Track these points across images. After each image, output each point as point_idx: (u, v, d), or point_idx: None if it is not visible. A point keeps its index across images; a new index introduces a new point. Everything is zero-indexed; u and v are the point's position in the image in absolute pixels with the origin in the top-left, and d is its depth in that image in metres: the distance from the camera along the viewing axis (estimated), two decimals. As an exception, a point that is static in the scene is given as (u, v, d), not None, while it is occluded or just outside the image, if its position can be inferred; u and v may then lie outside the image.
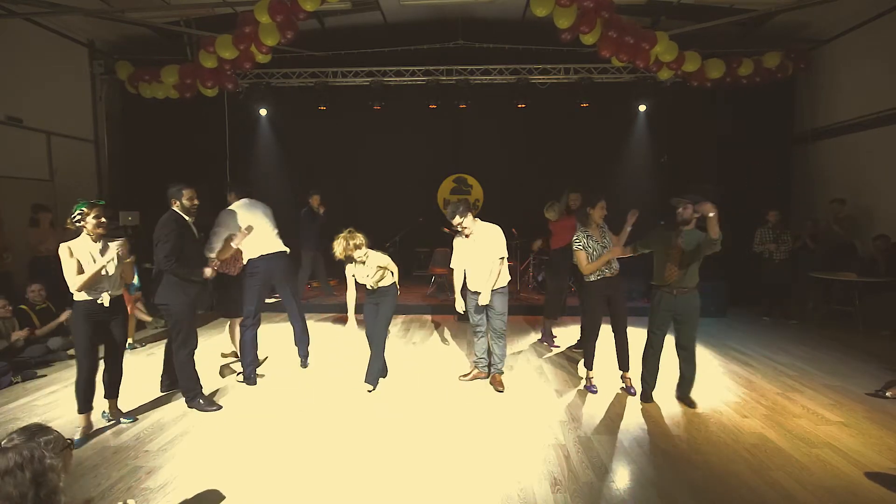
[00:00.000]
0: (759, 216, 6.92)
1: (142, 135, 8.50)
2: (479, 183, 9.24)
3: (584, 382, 4.31)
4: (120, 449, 3.20)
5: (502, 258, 4.09)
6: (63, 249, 3.20)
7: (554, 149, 8.63)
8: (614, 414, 3.76)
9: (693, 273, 3.70)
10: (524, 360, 5.08)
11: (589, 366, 4.25)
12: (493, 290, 4.12)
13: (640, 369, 4.02)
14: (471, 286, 4.25)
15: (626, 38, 6.09)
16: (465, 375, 4.50)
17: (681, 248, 3.64)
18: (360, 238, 3.92)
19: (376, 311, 4.19)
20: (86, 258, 3.27)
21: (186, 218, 3.80)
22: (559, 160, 8.59)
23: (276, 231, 4.58)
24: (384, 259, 4.09)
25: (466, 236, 4.11)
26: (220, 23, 7.45)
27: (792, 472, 2.91)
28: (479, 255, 4.11)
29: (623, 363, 4.18)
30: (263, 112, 8.61)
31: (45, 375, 4.62)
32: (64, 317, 5.17)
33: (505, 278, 4.20)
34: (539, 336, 5.85)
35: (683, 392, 3.97)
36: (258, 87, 8.15)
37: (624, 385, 4.19)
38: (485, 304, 4.11)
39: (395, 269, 4.20)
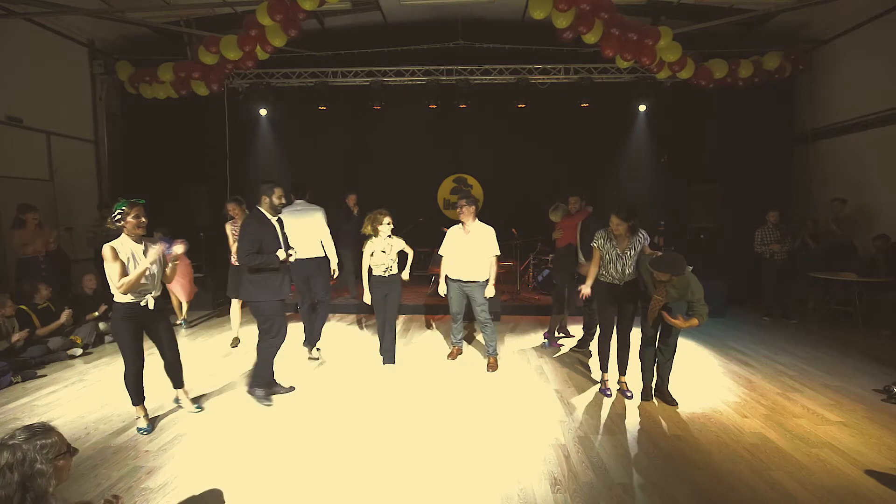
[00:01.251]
0: (760, 216, 6.91)
1: (142, 135, 8.49)
2: (479, 183, 9.23)
3: (598, 386, 4.26)
4: (120, 449, 3.20)
5: (496, 256, 4.65)
6: (107, 250, 3.16)
7: (554, 149, 8.62)
8: (614, 414, 3.76)
9: (681, 304, 3.73)
10: (524, 360, 5.07)
11: (604, 368, 4.21)
12: (477, 282, 4.64)
13: (640, 367, 4.05)
14: (454, 275, 4.71)
15: (629, 35, 6.07)
16: (448, 356, 5.03)
17: (664, 300, 3.64)
18: (387, 213, 4.58)
19: (385, 302, 4.66)
20: (127, 259, 3.23)
21: (269, 216, 3.89)
22: (559, 160, 8.58)
23: (315, 236, 4.88)
24: (402, 244, 4.68)
25: (462, 223, 4.64)
26: (220, 23, 7.46)
27: (792, 472, 2.91)
28: (471, 250, 4.61)
29: (621, 367, 4.14)
30: (263, 112, 8.60)
31: (45, 375, 4.61)
32: (64, 317, 5.16)
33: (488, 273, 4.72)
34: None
35: (661, 388, 4.00)
36: (258, 87, 8.15)
37: (620, 388, 4.16)
38: (490, 296, 4.67)
39: (410, 251, 4.76)
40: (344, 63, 8.15)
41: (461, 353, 5.13)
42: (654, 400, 3.98)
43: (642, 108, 8.30)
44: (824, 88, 7.67)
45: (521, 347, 5.51)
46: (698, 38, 7.00)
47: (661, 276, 3.51)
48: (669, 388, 3.97)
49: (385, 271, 4.58)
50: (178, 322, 6.40)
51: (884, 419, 3.61)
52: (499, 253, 4.65)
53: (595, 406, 3.91)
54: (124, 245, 3.25)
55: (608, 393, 4.12)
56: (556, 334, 5.62)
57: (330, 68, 8.18)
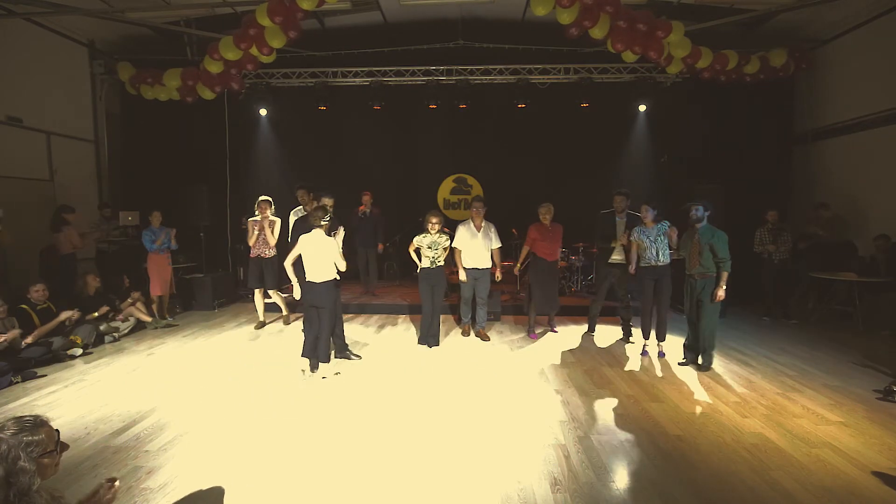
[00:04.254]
0: (759, 216, 6.90)
1: (142, 135, 8.50)
2: (479, 183, 9.23)
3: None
4: (120, 449, 3.20)
5: (498, 248, 5.68)
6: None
7: (554, 149, 8.63)
8: (614, 414, 3.76)
9: (709, 262, 4.56)
10: (524, 360, 5.07)
11: (646, 336, 5.19)
12: (486, 269, 5.61)
13: (686, 342, 4.86)
14: (470, 265, 5.59)
15: (637, 27, 6.04)
16: (462, 332, 5.95)
17: (698, 244, 4.57)
18: (437, 214, 5.33)
19: (432, 292, 5.39)
20: (321, 247, 4.34)
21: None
22: (559, 160, 8.59)
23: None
24: (447, 242, 5.44)
25: (473, 220, 5.60)
26: (220, 23, 7.46)
27: (792, 472, 2.91)
28: (482, 244, 5.58)
29: (659, 335, 5.12)
30: (263, 112, 8.60)
31: (45, 375, 4.61)
32: (63, 316, 5.15)
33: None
34: (551, 330, 6.18)
35: (703, 359, 4.70)
36: (258, 87, 8.16)
37: (658, 351, 5.12)
38: (498, 280, 5.76)
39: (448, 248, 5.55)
40: (344, 63, 8.15)
41: (468, 335, 5.92)
42: (693, 365, 4.77)
43: (642, 108, 8.30)
44: (824, 88, 7.67)
45: (520, 347, 5.52)
46: (698, 38, 6.98)
47: (693, 213, 4.58)
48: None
49: (432, 263, 5.32)
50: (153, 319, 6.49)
51: (884, 419, 3.61)
52: (500, 245, 5.70)
53: (595, 406, 3.90)
54: (317, 235, 4.36)
55: (645, 353, 5.17)
56: (537, 329, 6.11)
57: (330, 68, 8.19)
